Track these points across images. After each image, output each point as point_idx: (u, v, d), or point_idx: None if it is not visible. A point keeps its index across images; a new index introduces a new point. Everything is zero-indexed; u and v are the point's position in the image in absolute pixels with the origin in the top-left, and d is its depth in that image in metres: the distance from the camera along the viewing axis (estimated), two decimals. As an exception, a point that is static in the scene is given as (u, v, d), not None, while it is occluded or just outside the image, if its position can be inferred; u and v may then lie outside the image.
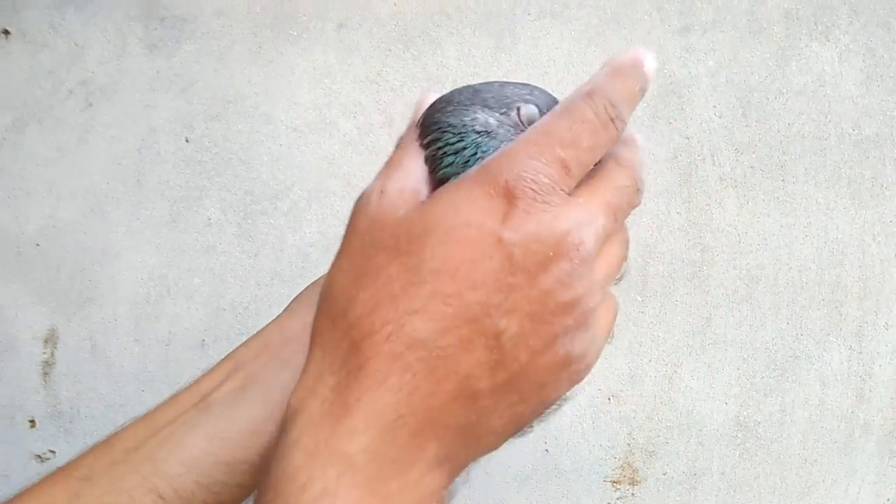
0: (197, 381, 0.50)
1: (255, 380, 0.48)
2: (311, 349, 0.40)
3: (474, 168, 0.40)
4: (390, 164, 0.43)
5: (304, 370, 0.39)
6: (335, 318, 0.38)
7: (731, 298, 1.06)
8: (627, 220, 0.45)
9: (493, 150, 0.43)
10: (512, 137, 0.44)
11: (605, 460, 1.10)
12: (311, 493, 0.34)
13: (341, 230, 1.15)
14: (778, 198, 1.05)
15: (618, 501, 1.10)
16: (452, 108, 0.46)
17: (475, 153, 0.44)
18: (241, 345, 0.51)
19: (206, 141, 1.10)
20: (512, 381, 0.38)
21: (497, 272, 0.37)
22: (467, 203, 0.38)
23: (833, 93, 1.04)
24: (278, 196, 1.09)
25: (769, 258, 1.05)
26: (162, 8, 1.10)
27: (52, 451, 1.13)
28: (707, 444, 1.09)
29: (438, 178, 0.43)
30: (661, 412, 1.08)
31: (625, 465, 1.09)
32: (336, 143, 1.08)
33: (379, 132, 1.07)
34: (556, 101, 0.46)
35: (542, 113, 0.45)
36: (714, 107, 1.04)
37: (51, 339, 1.12)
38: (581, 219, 0.38)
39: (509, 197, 0.38)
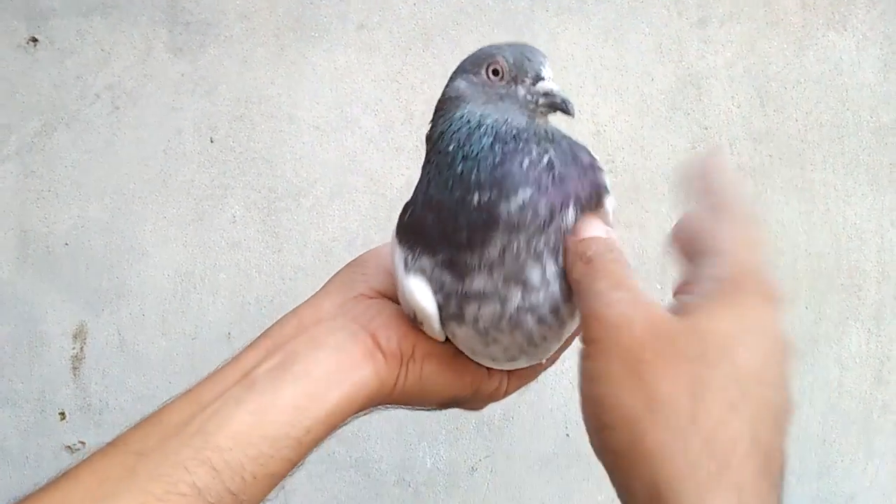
0: (237, 358, 0.46)
1: (294, 358, 0.44)
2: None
3: (728, 281, 0.36)
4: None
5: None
6: (687, 435, 0.33)
7: (750, 285, 0.94)
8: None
9: (466, 119, 0.42)
10: (480, 95, 0.43)
11: (627, 446, 0.97)
12: None
13: (363, 225, 1.01)
14: (797, 186, 0.93)
15: (639, 486, 0.98)
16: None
17: (446, 130, 0.42)
18: (277, 323, 0.47)
19: (230, 141, 0.98)
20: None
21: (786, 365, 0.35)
22: (752, 312, 0.35)
23: (850, 81, 0.92)
24: (301, 193, 0.97)
25: (788, 245, 0.94)
26: (186, 13, 0.98)
27: (82, 442, 1.01)
28: (727, 429, 0.97)
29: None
30: (681, 397, 0.96)
31: (645, 450, 0.97)
32: (357, 140, 0.96)
33: (400, 129, 0.95)
34: (532, 50, 0.43)
35: (509, 64, 0.43)
36: (732, 97, 0.92)
37: (80, 335, 1.00)
38: None
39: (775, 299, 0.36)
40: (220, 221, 0.98)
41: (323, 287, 0.49)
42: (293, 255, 0.99)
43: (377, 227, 0.98)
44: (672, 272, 0.96)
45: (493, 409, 0.98)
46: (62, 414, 1.02)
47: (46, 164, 1.00)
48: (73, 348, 1.01)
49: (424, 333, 0.46)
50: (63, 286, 1.00)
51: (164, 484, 0.40)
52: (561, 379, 0.98)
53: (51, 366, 1.01)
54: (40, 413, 1.02)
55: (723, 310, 0.35)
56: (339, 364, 0.44)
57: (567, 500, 1.00)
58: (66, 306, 1.00)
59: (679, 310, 0.35)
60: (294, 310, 0.47)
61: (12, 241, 0.99)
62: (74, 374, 1.01)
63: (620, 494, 0.35)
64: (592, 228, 0.42)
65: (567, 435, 0.98)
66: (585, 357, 0.36)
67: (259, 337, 0.47)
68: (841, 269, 0.95)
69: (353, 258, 0.50)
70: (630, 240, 0.95)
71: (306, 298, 0.49)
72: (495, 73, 0.43)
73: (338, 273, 0.50)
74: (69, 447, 1.02)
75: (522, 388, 0.53)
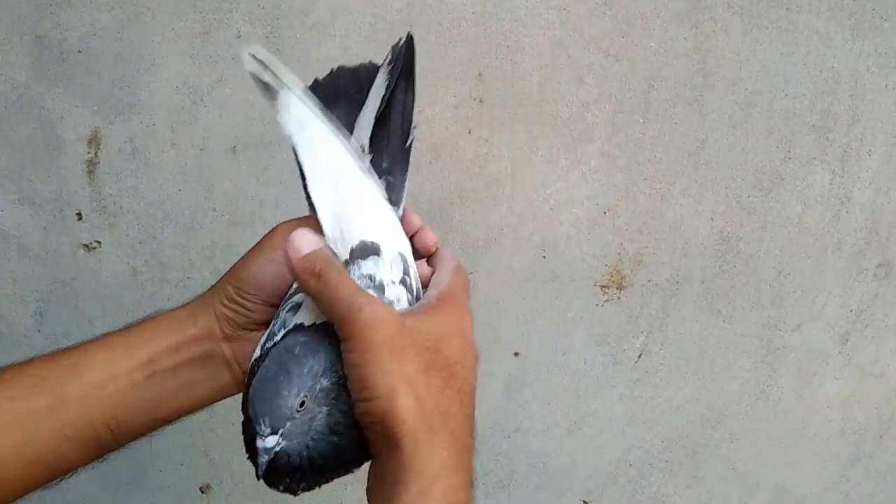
0: (148, 333, 0.57)
1: (189, 372, 0.56)
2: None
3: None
4: None
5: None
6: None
7: (728, 122, 0.96)
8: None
9: None
10: None
11: (597, 267, 1.02)
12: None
13: (363, 46, 1.01)
14: (781, 27, 0.92)
15: (605, 303, 1.03)
16: None
17: None
18: (181, 313, 0.58)
19: (236, -44, 0.95)
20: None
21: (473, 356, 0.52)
22: (451, 319, 0.52)
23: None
24: (304, 11, 0.96)
25: (767, 85, 0.94)
26: None
27: (98, 242, 1.05)
28: (691, 256, 1.01)
29: None
30: (651, 226, 1.00)
31: (614, 272, 1.01)
32: (360, -38, 0.94)
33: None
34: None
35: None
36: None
37: (94, 141, 1.02)
38: None
39: (467, 312, 0.54)
40: (225, 36, 0.98)
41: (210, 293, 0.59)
42: (296, 74, 0.99)
43: (375, 49, 0.97)
44: (655, 107, 0.97)
45: (476, 232, 1.01)
46: (79, 214, 1.05)
47: (57, -29, 0.98)
48: (88, 153, 1.03)
49: None
50: (77, 93, 1.01)
51: (76, 430, 0.53)
52: (542, 206, 1.00)
53: (67, 169, 1.03)
54: (59, 213, 1.05)
55: (434, 317, 0.48)
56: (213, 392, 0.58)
57: (540, 314, 1.05)
58: (80, 112, 1.02)
59: (408, 314, 0.48)
60: (192, 304, 0.58)
61: (28, 46, 0.99)
62: (90, 178, 1.04)
63: (376, 446, 0.46)
64: (307, 243, 0.49)
65: (544, 257, 1.02)
66: (349, 352, 0.45)
67: (165, 318, 0.57)
68: (814, 111, 0.95)
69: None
70: (617, 73, 0.95)
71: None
72: None
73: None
74: (86, 245, 1.06)
75: None
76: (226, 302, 0.56)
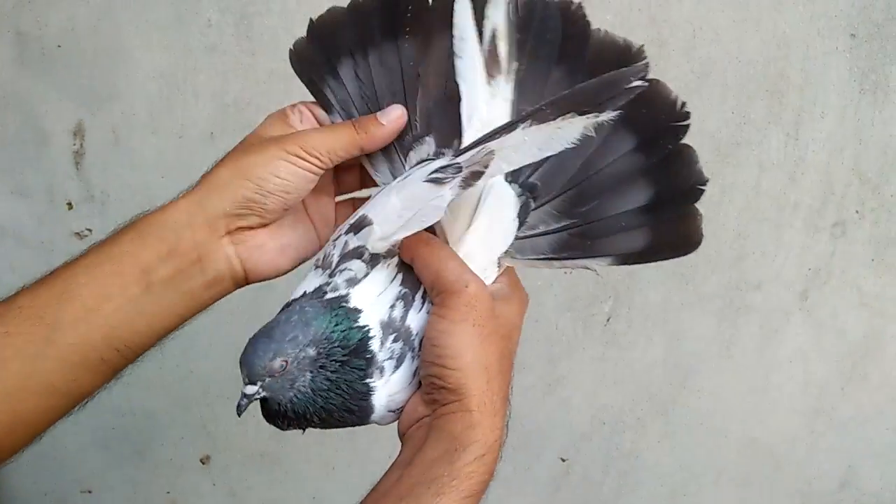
0: (133, 260, 0.51)
1: (184, 277, 0.51)
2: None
3: None
4: None
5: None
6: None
7: (683, 91, 0.92)
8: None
9: None
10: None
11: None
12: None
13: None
14: (733, -6, 0.90)
15: (573, 270, 1.02)
16: None
17: None
18: (167, 214, 0.52)
19: (202, -55, 0.94)
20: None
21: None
22: (520, 308, 0.52)
23: None
24: (271, -3, 0.95)
25: (721, 52, 0.93)
26: None
27: (89, 230, 1.06)
28: (653, 223, 0.99)
29: None
30: (614, 194, 0.98)
31: (581, 241, 1.00)
32: (323, -54, 0.92)
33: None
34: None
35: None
36: None
37: (79, 132, 1.02)
38: None
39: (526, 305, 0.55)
40: (197, 25, 0.98)
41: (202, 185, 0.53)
42: (266, 59, 0.99)
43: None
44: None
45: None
46: (69, 204, 1.06)
47: (33, -34, 0.97)
48: (74, 144, 1.03)
49: None
50: (60, 86, 1.01)
51: (79, 355, 0.50)
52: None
53: (55, 160, 1.04)
54: (50, 203, 1.06)
55: (511, 304, 0.50)
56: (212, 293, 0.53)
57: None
58: (64, 105, 1.02)
59: (496, 300, 0.49)
60: (184, 203, 0.52)
61: (9, 42, 0.99)
62: (77, 168, 1.04)
63: (437, 403, 0.48)
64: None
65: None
66: (443, 318, 0.47)
67: (151, 223, 0.51)
68: (767, 76, 0.93)
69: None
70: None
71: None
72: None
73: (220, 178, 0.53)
74: (78, 234, 1.06)
75: None
76: (240, 199, 0.50)
